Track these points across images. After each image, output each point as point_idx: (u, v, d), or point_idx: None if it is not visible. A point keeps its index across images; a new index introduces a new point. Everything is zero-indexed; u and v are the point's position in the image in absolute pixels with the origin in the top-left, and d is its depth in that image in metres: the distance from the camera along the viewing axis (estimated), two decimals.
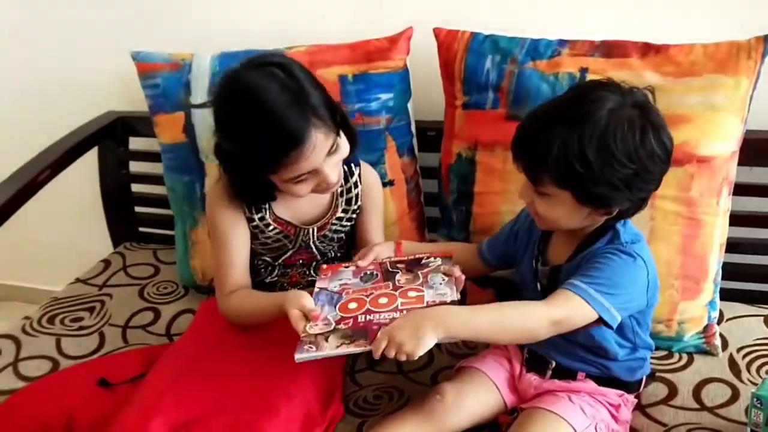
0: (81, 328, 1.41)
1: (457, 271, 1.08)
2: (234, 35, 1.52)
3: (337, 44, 1.39)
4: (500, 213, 1.30)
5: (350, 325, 1.02)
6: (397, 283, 1.11)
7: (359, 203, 1.27)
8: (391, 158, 1.39)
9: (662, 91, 1.17)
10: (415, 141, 1.44)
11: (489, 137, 1.30)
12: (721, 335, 1.25)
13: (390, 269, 1.15)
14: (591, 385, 1.07)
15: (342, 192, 1.25)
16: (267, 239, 1.24)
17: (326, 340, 0.99)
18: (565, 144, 0.91)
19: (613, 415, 1.06)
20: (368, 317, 1.02)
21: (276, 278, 1.30)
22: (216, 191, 1.23)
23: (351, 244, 1.32)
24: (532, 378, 1.11)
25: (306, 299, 1.04)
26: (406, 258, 1.17)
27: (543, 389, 1.09)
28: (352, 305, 1.06)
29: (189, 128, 1.43)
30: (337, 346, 0.97)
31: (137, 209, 1.78)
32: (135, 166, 1.74)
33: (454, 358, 1.25)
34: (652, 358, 1.15)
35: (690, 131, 1.16)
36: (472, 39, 1.31)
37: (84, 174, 1.69)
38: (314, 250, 1.27)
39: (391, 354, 0.92)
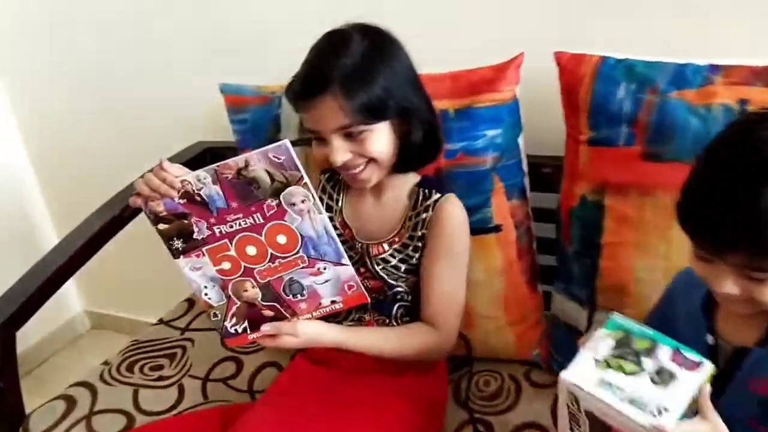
0: (160, 378, 1.32)
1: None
2: None
3: (437, 74, 1.21)
4: (634, 269, 1.10)
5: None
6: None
7: (424, 230, 1.10)
8: (498, 201, 1.21)
9: None
10: (526, 180, 1.26)
11: (621, 179, 1.10)
12: None
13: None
14: None
15: (411, 216, 1.11)
16: None
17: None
18: None
19: None
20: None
21: (351, 323, 1.15)
22: None
23: None
24: None
25: None
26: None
27: None
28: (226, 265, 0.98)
29: None
30: None
31: None
32: None
33: None
34: None
35: None
36: (602, 63, 1.12)
37: None
38: (377, 274, 1.12)
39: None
